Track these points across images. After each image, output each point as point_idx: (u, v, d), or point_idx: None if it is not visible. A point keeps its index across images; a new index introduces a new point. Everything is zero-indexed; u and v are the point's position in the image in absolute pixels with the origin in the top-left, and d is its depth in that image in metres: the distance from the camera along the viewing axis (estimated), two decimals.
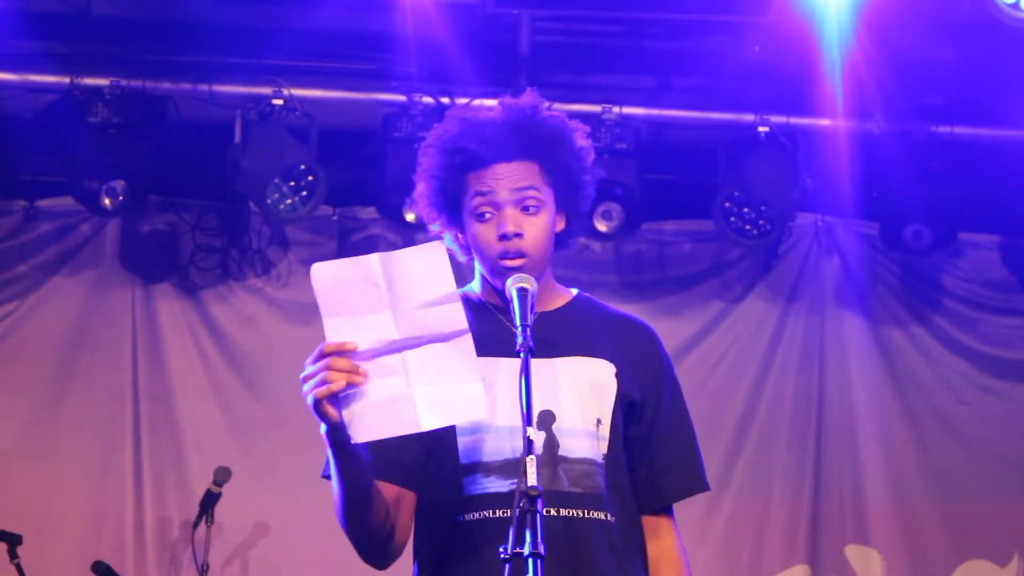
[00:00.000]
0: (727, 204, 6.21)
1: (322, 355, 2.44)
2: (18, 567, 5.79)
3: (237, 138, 6.10)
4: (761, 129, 6.17)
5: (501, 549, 2.34)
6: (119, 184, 6.09)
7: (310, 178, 6.06)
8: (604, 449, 2.73)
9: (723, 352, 6.79)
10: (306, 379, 2.44)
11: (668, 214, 6.73)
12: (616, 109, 6.06)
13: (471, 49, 5.87)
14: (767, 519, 6.67)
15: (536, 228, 2.73)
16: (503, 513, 2.64)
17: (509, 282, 2.66)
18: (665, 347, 2.90)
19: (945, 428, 6.82)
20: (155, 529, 6.47)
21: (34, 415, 6.51)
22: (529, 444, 2.40)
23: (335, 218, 6.69)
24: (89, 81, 5.98)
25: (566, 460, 2.70)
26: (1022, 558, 6.72)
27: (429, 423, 2.47)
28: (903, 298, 6.88)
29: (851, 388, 6.80)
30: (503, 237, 2.71)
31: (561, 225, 2.82)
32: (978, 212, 6.60)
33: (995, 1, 5.33)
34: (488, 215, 2.74)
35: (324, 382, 2.41)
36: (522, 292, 2.62)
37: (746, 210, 6.21)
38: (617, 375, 2.77)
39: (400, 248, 2.55)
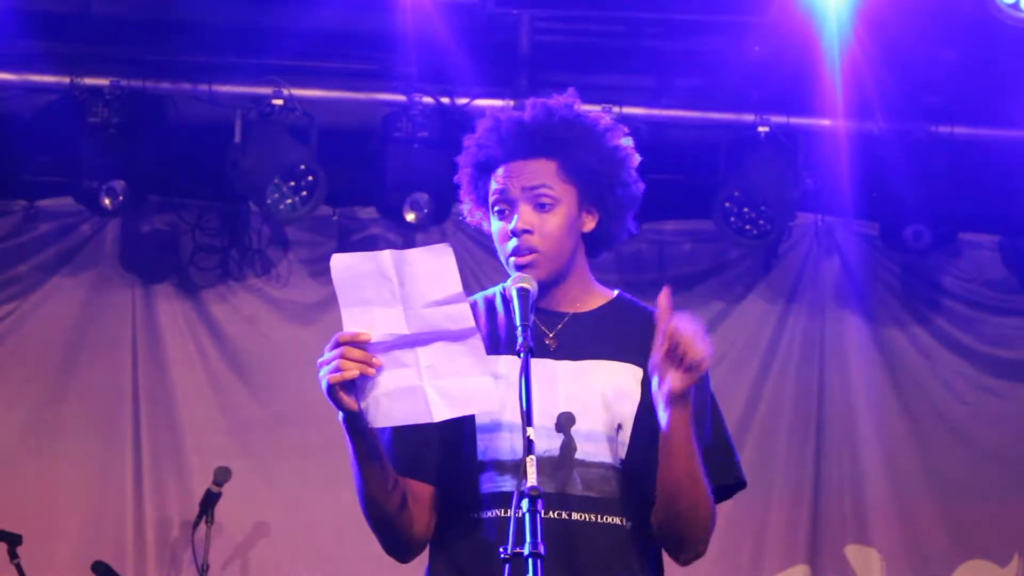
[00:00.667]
0: (727, 204, 6.21)
1: (338, 344, 2.51)
2: (18, 567, 5.79)
3: (237, 138, 6.10)
4: (761, 129, 6.17)
5: (501, 549, 2.35)
6: (119, 184, 6.10)
7: (310, 178, 6.06)
8: (623, 454, 2.72)
9: (723, 352, 6.78)
10: (321, 365, 2.52)
11: (668, 214, 6.73)
12: (616, 109, 6.05)
13: (471, 49, 5.87)
14: (767, 519, 6.67)
15: (549, 225, 2.74)
16: (520, 513, 2.65)
17: (509, 282, 2.68)
18: None
19: (945, 428, 6.82)
20: (155, 529, 6.47)
21: (34, 415, 6.51)
22: (529, 444, 2.42)
23: (335, 218, 6.69)
24: (89, 81, 5.99)
25: (583, 464, 2.69)
26: (1022, 558, 6.72)
27: (441, 414, 2.54)
28: (903, 298, 6.88)
29: (851, 388, 6.80)
30: (513, 233, 2.74)
31: (591, 224, 2.81)
32: (978, 212, 6.60)
33: (995, 1, 5.33)
34: (504, 212, 2.77)
35: (338, 369, 2.49)
36: (522, 292, 2.63)
37: (746, 210, 6.21)
38: (644, 380, 2.74)
39: (399, 248, 2.58)
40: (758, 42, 5.91)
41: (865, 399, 6.79)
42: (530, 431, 2.43)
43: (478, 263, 6.39)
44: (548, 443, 2.67)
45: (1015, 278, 6.87)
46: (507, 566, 2.35)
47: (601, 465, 2.70)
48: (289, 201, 6.07)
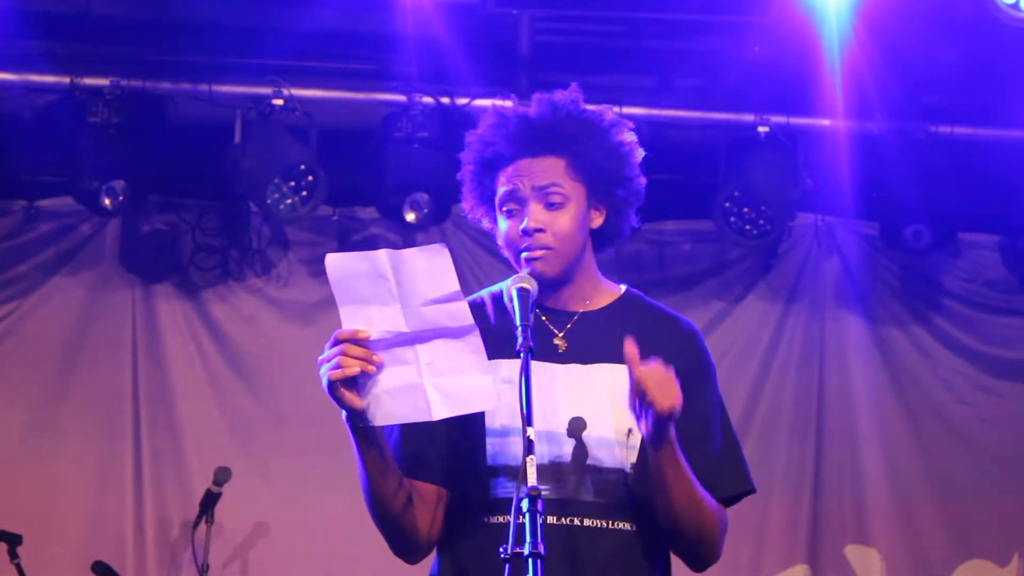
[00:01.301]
0: (727, 204, 6.22)
1: (337, 341, 2.51)
2: (18, 567, 5.79)
3: (237, 138, 6.10)
4: (761, 129, 6.17)
5: (501, 549, 2.35)
6: (119, 184, 6.09)
7: (310, 178, 6.06)
8: (633, 459, 2.71)
9: (723, 352, 6.78)
10: (322, 363, 2.52)
11: (668, 214, 6.73)
12: (616, 109, 5.99)
13: (471, 49, 5.87)
14: (767, 519, 6.67)
15: (560, 223, 2.73)
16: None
17: (509, 283, 2.67)
18: (707, 345, 2.87)
19: (945, 428, 6.82)
20: (155, 529, 6.47)
21: (34, 415, 6.51)
22: (529, 444, 2.42)
23: (335, 218, 6.69)
24: (89, 81, 5.98)
25: (595, 469, 2.69)
26: (1022, 558, 6.72)
27: (440, 412, 2.53)
28: (903, 298, 6.88)
29: (851, 388, 6.80)
30: (524, 233, 2.72)
31: (599, 221, 2.81)
32: (978, 212, 6.60)
33: (995, 1, 5.33)
34: (514, 211, 2.76)
35: (339, 366, 2.49)
36: (522, 292, 2.62)
37: (746, 210, 6.21)
38: None
39: (399, 248, 2.57)
40: (758, 42, 5.91)
41: (865, 399, 6.79)
42: (530, 431, 2.43)
43: (478, 263, 6.39)
44: (560, 448, 2.67)
45: (1015, 278, 6.87)
46: (507, 566, 2.34)
47: (612, 470, 2.69)
48: (289, 201, 6.07)
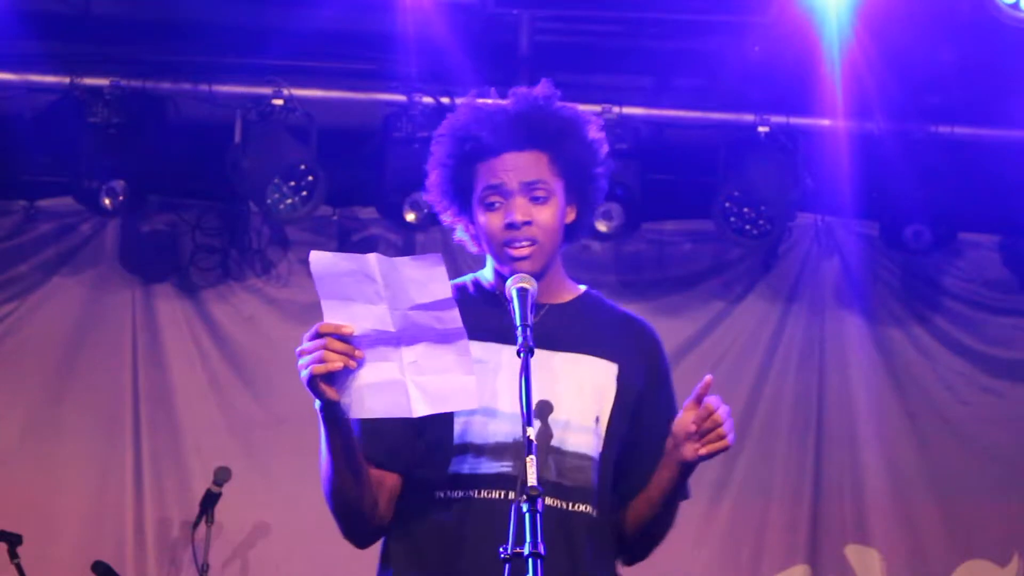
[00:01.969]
0: (727, 204, 6.21)
1: (319, 334, 2.49)
2: (18, 567, 5.79)
3: (237, 138, 6.10)
4: (761, 129, 6.16)
5: (501, 549, 2.35)
6: (119, 184, 6.10)
7: (310, 178, 6.06)
8: (600, 447, 2.76)
9: (723, 352, 6.79)
10: (301, 355, 2.50)
11: (668, 214, 6.73)
12: (616, 109, 6.06)
13: (471, 49, 5.86)
14: (767, 519, 6.67)
15: (545, 217, 2.75)
16: (488, 494, 2.68)
17: (509, 282, 2.68)
18: (665, 348, 2.93)
19: (945, 428, 6.82)
20: (155, 529, 6.47)
21: (34, 415, 6.51)
22: (529, 444, 2.42)
23: (335, 218, 6.69)
24: (89, 81, 5.98)
25: (559, 451, 2.72)
26: (1022, 558, 6.72)
27: (420, 409, 2.53)
28: (903, 298, 6.88)
29: (851, 388, 6.80)
30: (511, 226, 2.74)
31: (571, 217, 2.84)
32: (978, 212, 6.60)
33: (995, 1, 5.33)
34: (497, 204, 2.77)
35: (321, 360, 2.48)
36: (522, 292, 2.63)
37: (746, 210, 6.21)
38: (619, 377, 2.80)
39: (400, 248, 2.58)
40: (758, 42, 5.91)
41: (865, 399, 6.79)
42: (530, 431, 2.43)
43: (478, 262, 6.39)
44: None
45: (1015, 278, 6.87)
46: (507, 566, 2.35)
47: (576, 455, 2.73)
48: (289, 201, 6.07)
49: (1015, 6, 5.34)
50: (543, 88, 2.85)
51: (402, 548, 2.75)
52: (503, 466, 2.68)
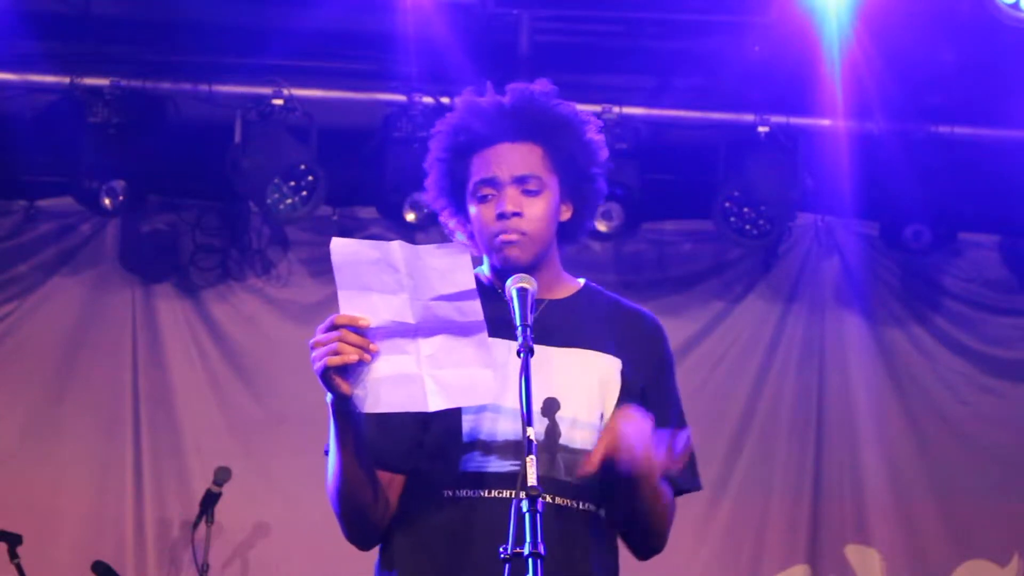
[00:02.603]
0: (727, 204, 6.22)
1: (334, 326, 2.46)
2: (18, 567, 5.79)
3: (237, 138, 6.10)
4: (761, 129, 6.16)
5: (501, 549, 2.34)
6: (119, 184, 6.10)
7: (310, 178, 6.06)
8: None
9: (723, 352, 6.79)
10: (315, 346, 2.46)
11: (668, 214, 6.73)
12: (616, 109, 6.06)
13: (471, 49, 5.86)
14: (767, 519, 6.67)
15: (536, 209, 2.74)
16: (496, 493, 2.66)
17: (509, 282, 2.65)
18: (668, 337, 2.91)
19: (945, 428, 6.82)
20: (155, 529, 6.47)
21: (34, 415, 6.51)
22: (529, 444, 2.40)
23: (335, 218, 6.69)
24: (89, 81, 5.98)
25: (566, 449, 2.70)
26: (1022, 558, 6.72)
27: (436, 404, 2.50)
28: (903, 298, 6.88)
29: (851, 388, 6.80)
30: (501, 216, 2.73)
31: (567, 215, 2.82)
32: (978, 212, 6.60)
33: (995, 1, 5.33)
34: (489, 196, 2.76)
35: (335, 352, 2.44)
36: (522, 292, 2.60)
37: (746, 210, 6.22)
38: (622, 371, 2.78)
39: None
40: (758, 42, 5.91)
41: (865, 399, 6.79)
42: (530, 431, 2.42)
43: (478, 263, 6.39)
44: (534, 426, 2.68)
45: (1015, 278, 6.87)
46: (507, 566, 2.34)
47: (584, 452, 2.69)
48: (289, 201, 6.07)
49: (1015, 6, 5.34)
50: (540, 83, 2.86)
51: (407, 547, 2.71)
52: (511, 465, 2.65)
